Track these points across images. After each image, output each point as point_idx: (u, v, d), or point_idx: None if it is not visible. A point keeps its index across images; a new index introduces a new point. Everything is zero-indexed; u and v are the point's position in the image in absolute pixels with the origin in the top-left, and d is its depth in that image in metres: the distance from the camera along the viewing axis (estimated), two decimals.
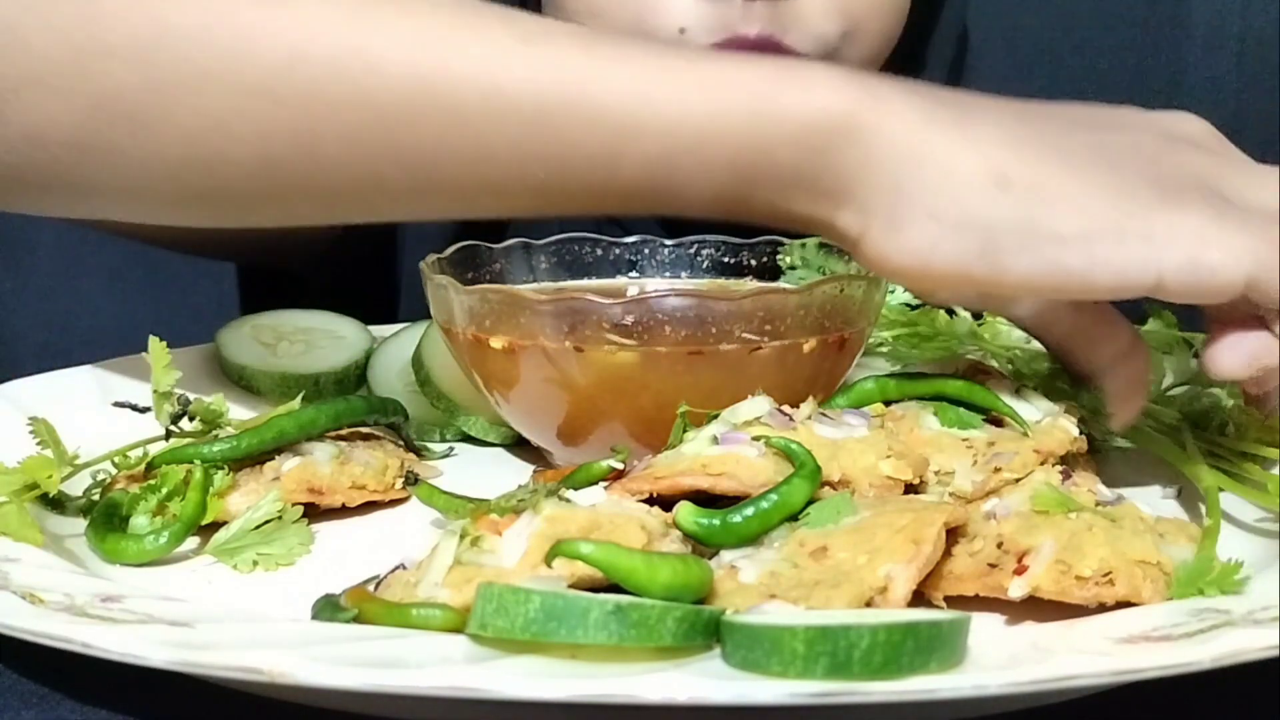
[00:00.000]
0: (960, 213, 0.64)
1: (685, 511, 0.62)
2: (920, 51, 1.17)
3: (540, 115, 0.67)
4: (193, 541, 0.70)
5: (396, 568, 0.63)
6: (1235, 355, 0.67)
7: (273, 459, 0.74)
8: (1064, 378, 0.76)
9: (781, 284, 0.87)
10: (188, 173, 0.70)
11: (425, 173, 0.69)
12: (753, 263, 0.89)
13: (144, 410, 0.76)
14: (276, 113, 0.68)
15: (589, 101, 0.66)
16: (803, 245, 0.87)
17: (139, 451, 0.74)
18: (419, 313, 0.87)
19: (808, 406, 0.70)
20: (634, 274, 0.90)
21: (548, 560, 0.57)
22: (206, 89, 0.68)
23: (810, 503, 0.63)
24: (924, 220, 0.65)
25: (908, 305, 0.90)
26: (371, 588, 0.62)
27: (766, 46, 0.98)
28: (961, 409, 0.73)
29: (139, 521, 0.70)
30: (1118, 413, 0.73)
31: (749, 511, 0.62)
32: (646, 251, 0.90)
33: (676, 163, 0.67)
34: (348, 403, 0.78)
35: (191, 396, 0.75)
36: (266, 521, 0.70)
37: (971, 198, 0.64)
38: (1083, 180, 0.65)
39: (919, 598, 0.59)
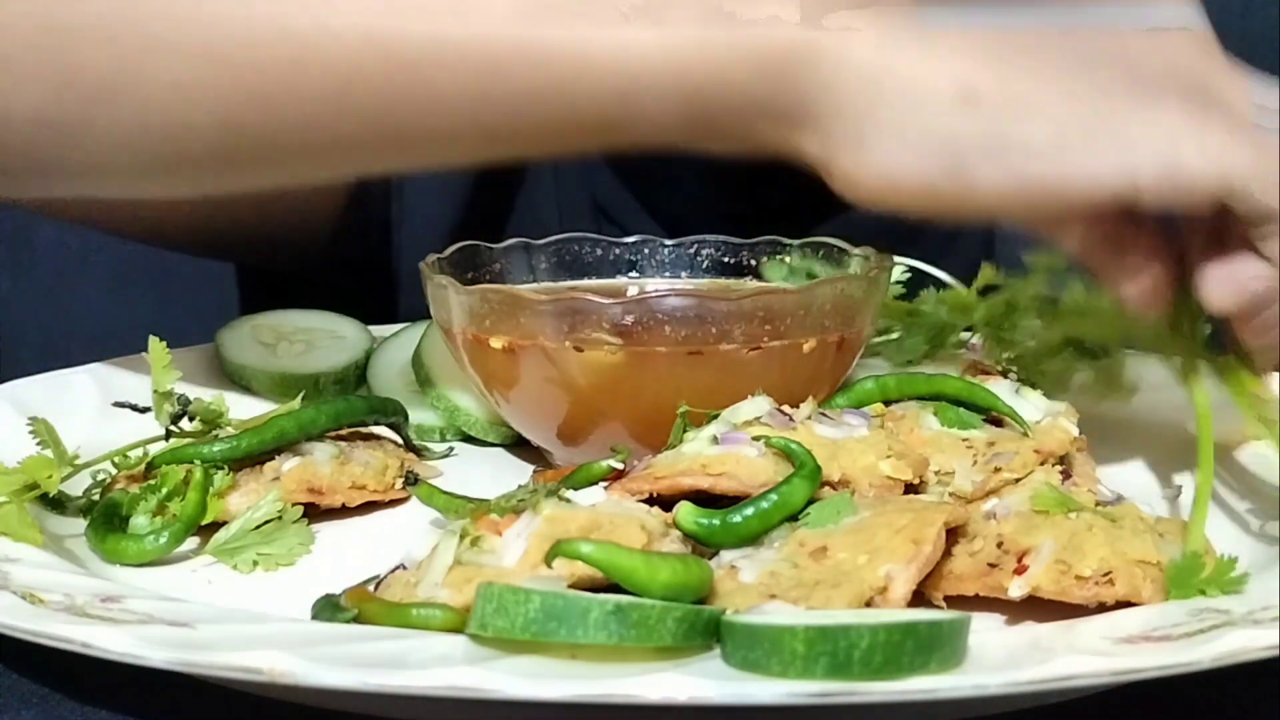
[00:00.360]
0: (924, 131, 0.63)
1: (685, 511, 0.62)
2: None
3: (487, 59, 0.67)
4: (193, 541, 0.70)
5: (396, 568, 0.63)
6: (1225, 285, 0.64)
7: (273, 459, 0.74)
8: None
9: (781, 284, 0.87)
10: (152, 142, 0.72)
11: (381, 125, 0.69)
12: (753, 263, 0.89)
13: (144, 410, 0.76)
14: (232, 76, 0.69)
15: (534, 41, 0.66)
16: (784, 259, 0.87)
17: (139, 451, 0.74)
18: (419, 313, 0.87)
19: (808, 406, 0.70)
20: (634, 274, 0.90)
21: (548, 560, 0.57)
22: (165, 58, 0.69)
23: (810, 503, 0.63)
24: (888, 141, 0.63)
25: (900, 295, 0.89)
26: (371, 588, 0.62)
27: None
28: (961, 409, 0.73)
29: (139, 521, 0.70)
30: (1131, 303, 0.69)
31: (749, 511, 0.62)
32: (646, 251, 0.90)
33: (630, 96, 0.66)
34: (348, 403, 0.78)
35: (191, 396, 0.74)
36: (266, 521, 0.70)
37: (935, 114, 0.63)
38: (1053, 86, 0.63)
39: (919, 598, 0.59)
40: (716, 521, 0.62)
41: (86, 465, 0.73)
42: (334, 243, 1.09)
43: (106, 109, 0.71)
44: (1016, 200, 0.63)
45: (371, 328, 0.93)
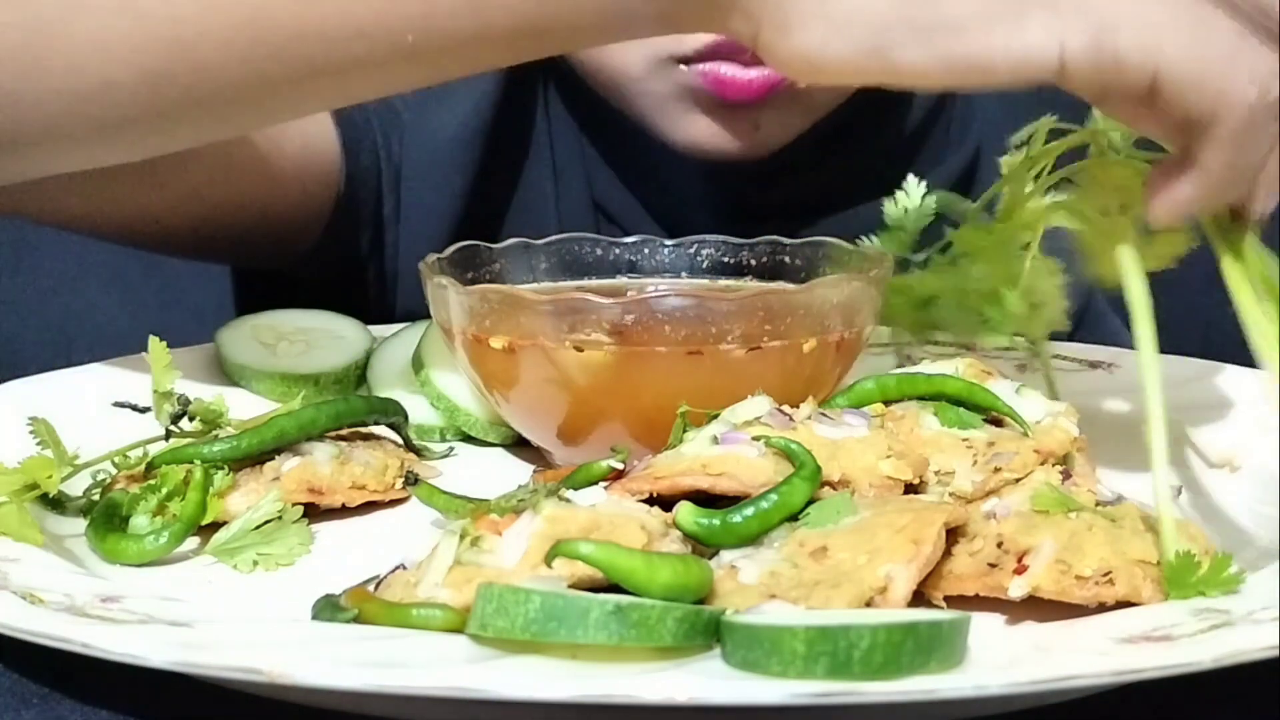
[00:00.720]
0: (848, 12, 0.61)
1: (685, 511, 0.62)
2: None
3: None
4: (193, 541, 0.70)
5: (396, 568, 0.63)
6: (1164, 206, 0.62)
7: (273, 459, 0.74)
8: None
9: (781, 284, 0.87)
10: (80, 104, 0.72)
11: (300, 61, 0.70)
12: (753, 263, 0.89)
13: (144, 410, 0.76)
14: (148, 27, 0.70)
15: None
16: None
17: (139, 451, 0.74)
18: (419, 313, 0.87)
19: (808, 406, 0.70)
20: (634, 274, 0.90)
21: (548, 560, 0.57)
22: (81, 16, 0.70)
23: (810, 503, 0.63)
24: (811, 19, 0.62)
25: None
26: (371, 588, 0.62)
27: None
28: (961, 409, 0.73)
29: (139, 521, 0.70)
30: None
31: (749, 511, 0.62)
32: (646, 251, 0.90)
33: (544, 3, 0.66)
34: (348, 403, 0.78)
35: (191, 396, 0.75)
36: (266, 521, 0.70)
37: None
38: None
39: (919, 598, 0.59)
40: (716, 521, 0.62)
41: (86, 465, 0.73)
42: (325, 241, 1.09)
43: (29, 74, 0.71)
44: (939, 78, 0.61)
45: (371, 328, 0.93)
